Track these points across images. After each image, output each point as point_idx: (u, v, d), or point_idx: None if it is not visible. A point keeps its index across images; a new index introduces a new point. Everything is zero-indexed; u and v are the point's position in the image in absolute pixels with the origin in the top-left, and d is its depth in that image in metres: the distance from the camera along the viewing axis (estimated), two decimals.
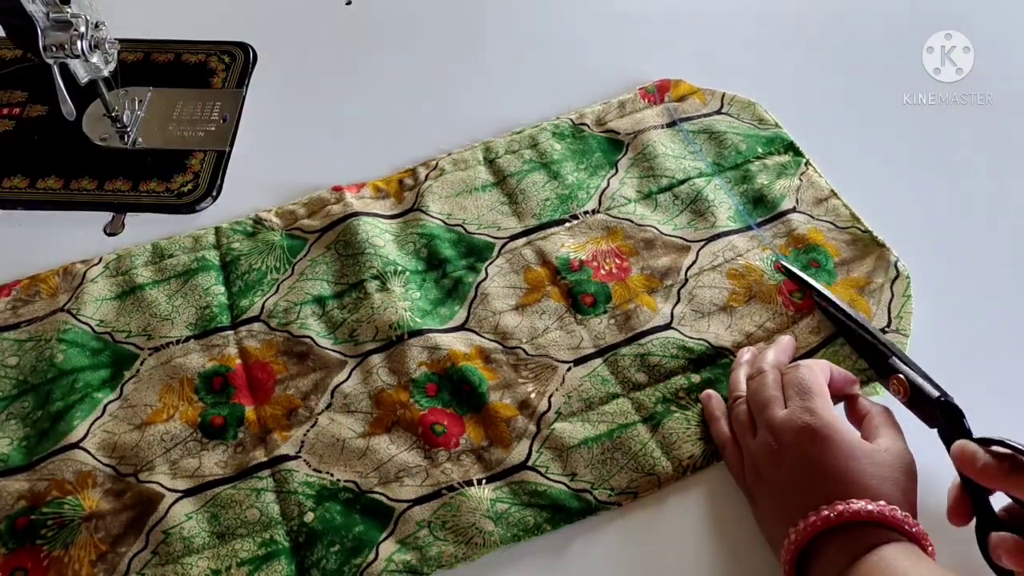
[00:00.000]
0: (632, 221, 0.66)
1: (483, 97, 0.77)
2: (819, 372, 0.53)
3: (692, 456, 0.55)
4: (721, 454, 0.55)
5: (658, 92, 0.75)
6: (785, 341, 0.58)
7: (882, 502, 0.46)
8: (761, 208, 0.67)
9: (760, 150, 0.71)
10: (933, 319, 0.61)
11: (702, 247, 0.65)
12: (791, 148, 0.71)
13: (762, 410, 0.52)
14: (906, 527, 0.46)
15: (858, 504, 0.46)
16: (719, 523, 0.53)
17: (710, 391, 0.57)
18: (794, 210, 0.67)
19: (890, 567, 0.44)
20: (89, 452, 0.55)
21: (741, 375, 0.56)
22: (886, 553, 0.45)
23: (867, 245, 0.65)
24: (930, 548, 0.46)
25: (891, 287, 0.62)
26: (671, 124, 0.73)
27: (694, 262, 0.64)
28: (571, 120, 0.73)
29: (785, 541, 0.47)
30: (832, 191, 0.68)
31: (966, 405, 0.50)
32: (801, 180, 0.69)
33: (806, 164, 0.70)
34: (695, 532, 0.53)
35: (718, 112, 0.74)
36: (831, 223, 0.66)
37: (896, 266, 0.63)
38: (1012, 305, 0.62)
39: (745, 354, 0.58)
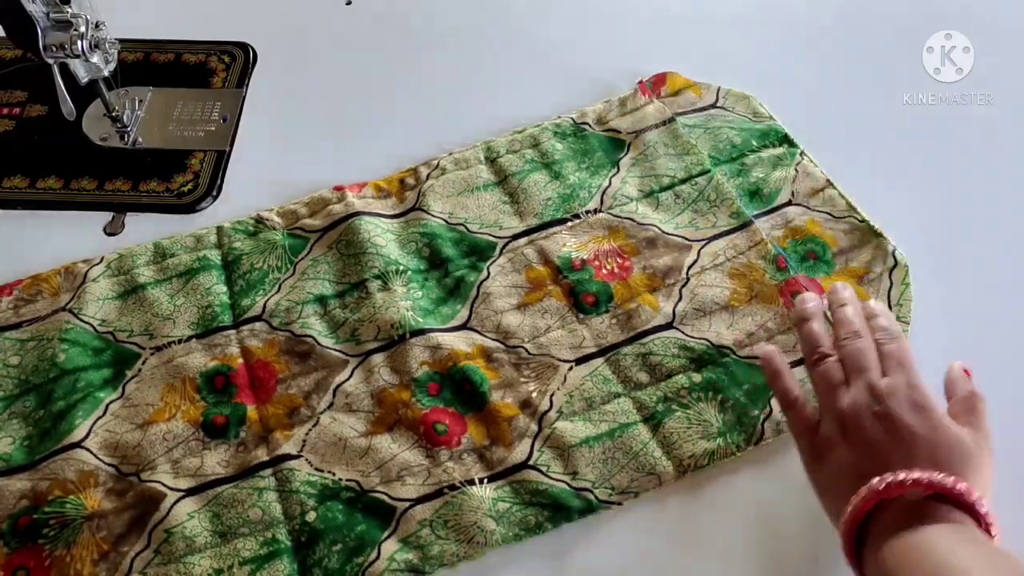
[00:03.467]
0: (634, 220, 0.66)
1: (484, 96, 0.77)
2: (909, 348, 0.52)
3: (692, 456, 0.55)
4: (786, 406, 0.53)
5: (654, 86, 0.75)
6: (864, 302, 0.56)
7: (951, 477, 0.44)
8: (758, 201, 0.67)
9: (755, 143, 0.71)
10: (935, 315, 0.61)
11: (704, 246, 0.65)
12: (786, 140, 0.71)
13: (862, 372, 0.50)
14: (969, 500, 0.44)
15: (923, 473, 0.44)
16: (719, 523, 0.53)
17: (772, 347, 0.56)
18: (790, 203, 0.67)
19: (925, 549, 0.43)
20: (91, 451, 0.55)
21: (818, 328, 0.54)
22: (929, 533, 0.43)
23: (864, 234, 0.65)
24: (994, 532, 0.44)
25: (890, 275, 0.62)
26: (670, 120, 0.73)
27: (695, 261, 0.64)
28: (572, 119, 0.73)
29: (849, 506, 0.45)
30: (828, 181, 0.68)
31: (984, 390, 0.51)
32: (797, 171, 0.69)
33: (801, 154, 0.70)
34: (695, 532, 0.53)
35: (713, 106, 0.74)
36: (828, 213, 0.66)
37: (894, 255, 0.63)
38: (1012, 305, 0.63)
39: (808, 302, 0.56)
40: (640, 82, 0.75)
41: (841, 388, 0.50)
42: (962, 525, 0.44)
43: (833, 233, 0.65)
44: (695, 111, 0.74)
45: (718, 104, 0.74)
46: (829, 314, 0.56)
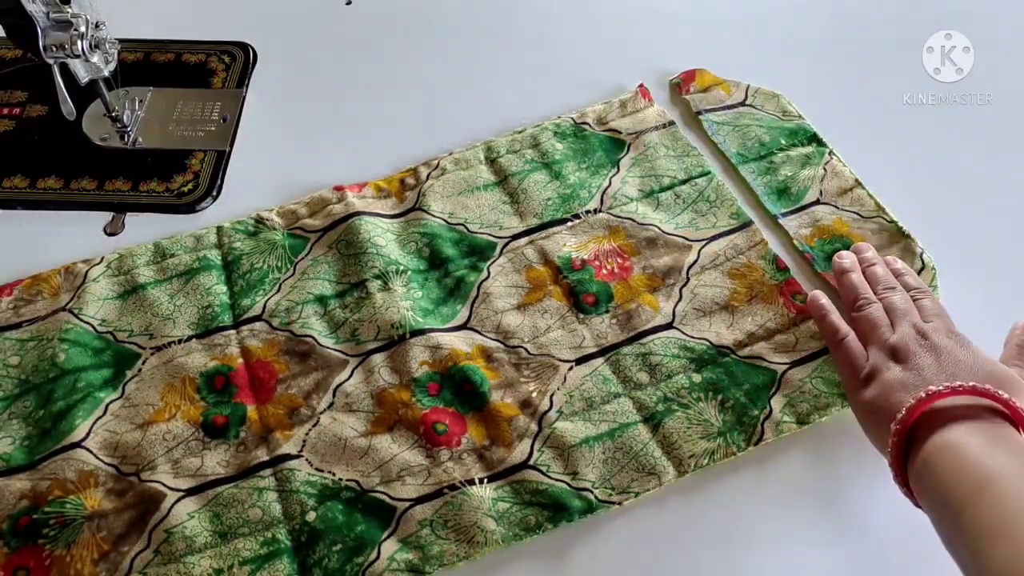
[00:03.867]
0: (634, 220, 0.66)
1: (484, 96, 0.77)
2: None
3: (692, 456, 0.55)
4: (835, 341, 0.56)
5: (684, 82, 0.75)
6: (889, 258, 0.61)
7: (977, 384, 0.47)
8: (786, 200, 0.67)
9: (784, 141, 0.71)
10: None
11: (704, 246, 0.65)
12: (814, 139, 0.71)
13: (906, 315, 0.55)
14: (1012, 404, 0.46)
15: (966, 382, 0.47)
16: (719, 523, 0.53)
17: (818, 291, 0.60)
18: (818, 202, 0.67)
19: (960, 450, 0.44)
20: (91, 451, 0.55)
21: (859, 279, 0.59)
22: (966, 433, 0.45)
23: (892, 235, 0.65)
24: None
25: None
26: (670, 124, 0.73)
27: (696, 261, 0.64)
28: (573, 119, 0.73)
29: (898, 415, 0.48)
30: (857, 181, 0.68)
31: None
32: (825, 170, 0.69)
33: (830, 153, 0.70)
34: (695, 532, 0.53)
35: (742, 104, 0.74)
36: (856, 213, 0.66)
37: (922, 258, 0.63)
38: (1012, 304, 0.63)
39: (846, 258, 0.61)
40: (641, 85, 0.75)
41: (887, 328, 0.55)
42: (1001, 427, 0.46)
43: (861, 233, 0.65)
44: (724, 108, 0.74)
45: (747, 102, 0.74)
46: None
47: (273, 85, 0.78)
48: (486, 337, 0.61)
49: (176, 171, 0.71)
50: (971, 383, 0.47)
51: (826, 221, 0.66)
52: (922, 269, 0.63)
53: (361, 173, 0.70)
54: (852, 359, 0.54)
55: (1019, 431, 0.46)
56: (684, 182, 0.69)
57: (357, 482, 0.54)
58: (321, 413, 0.57)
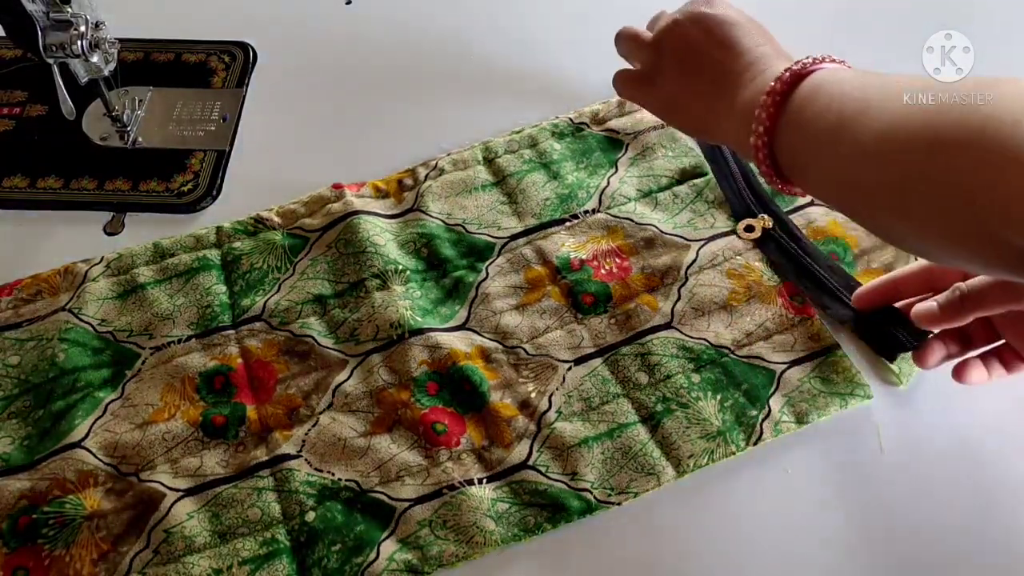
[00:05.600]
0: (632, 220, 0.66)
1: (482, 97, 0.77)
2: None
3: (692, 456, 0.55)
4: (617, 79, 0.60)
5: None
6: None
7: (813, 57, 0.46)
8: (780, 201, 0.67)
9: None
10: None
11: (702, 246, 0.65)
12: None
13: (656, 20, 0.57)
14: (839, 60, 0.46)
15: (795, 62, 0.46)
16: (719, 522, 0.53)
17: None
18: (812, 203, 0.67)
19: (821, 94, 0.44)
20: (90, 451, 0.55)
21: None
22: (824, 74, 0.45)
23: None
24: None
25: None
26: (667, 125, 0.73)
27: (694, 261, 0.64)
28: (570, 119, 0.73)
29: (753, 131, 0.46)
30: None
31: (984, 388, 0.52)
32: None
33: None
34: (695, 532, 0.53)
35: None
36: None
37: (916, 258, 0.63)
38: None
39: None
40: None
41: (641, 33, 0.57)
42: (839, 68, 0.46)
43: (855, 234, 0.65)
44: None
45: None
46: None
47: (273, 85, 0.78)
48: (485, 337, 0.61)
49: (176, 171, 0.71)
50: (801, 61, 0.46)
51: (820, 222, 0.66)
52: None
53: (360, 173, 0.70)
54: (626, 79, 0.58)
55: None
56: (682, 182, 0.69)
57: (356, 482, 0.54)
58: (320, 413, 0.57)
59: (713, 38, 0.51)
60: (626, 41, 0.59)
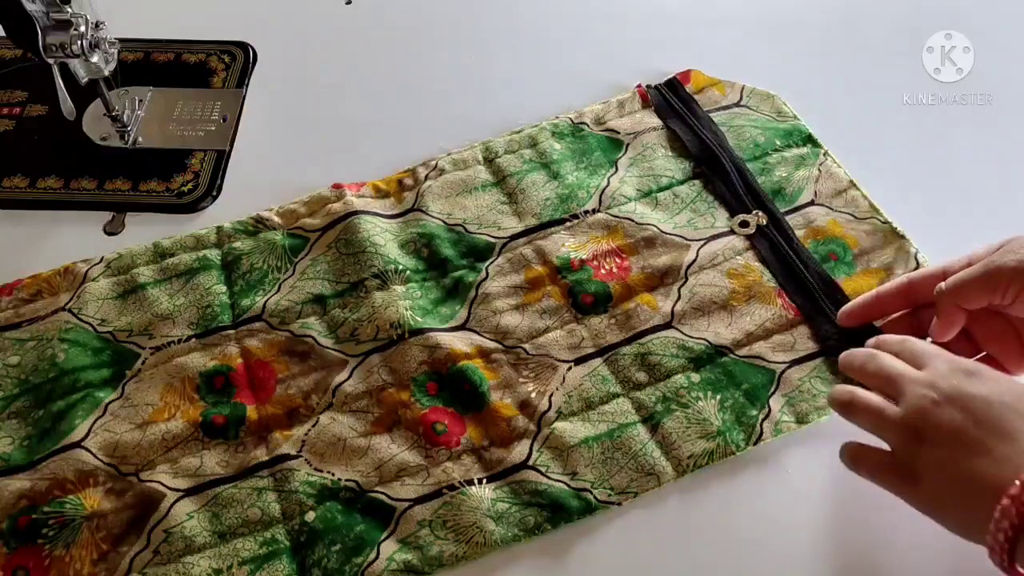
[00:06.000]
0: (632, 220, 0.66)
1: (483, 97, 0.77)
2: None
3: (692, 456, 0.55)
4: (853, 458, 0.50)
5: (679, 82, 0.75)
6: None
7: None
8: (780, 200, 0.67)
9: (778, 142, 0.71)
10: None
11: (702, 246, 0.65)
12: (809, 140, 0.71)
13: (896, 378, 0.47)
14: None
15: None
16: (719, 523, 0.53)
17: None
18: (813, 203, 0.67)
19: None
20: (90, 451, 0.55)
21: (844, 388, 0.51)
22: None
23: (886, 236, 0.65)
24: None
25: None
26: (667, 127, 0.73)
27: (694, 260, 0.64)
28: (571, 119, 0.73)
29: (994, 519, 0.41)
30: (851, 182, 0.68)
31: None
32: (820, 171, 0.69)
33: (824, 154, 0.70)
34: (694, 532, 0.53)
35: (737, 104, 0.74)
36: (850, 214, 0.66)
37: (916, 258, 0.63)
38: None
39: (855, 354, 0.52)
40: (639, 86, 0.75)
41: (885, 406, 0.47)
42: None
43: (855, 234, 0.65)
44: (719, 109, 0.74)
45: (742, 103, 0.74)
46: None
47: (273, 85, 0.78)
48: (485, 337, 0.61)
49: (176, 171, 0.71)
50: None
51: (820, 222, 0.66)
52: (915, 269, 0.63)
53: (360, 173, 0.70)
54: (877, 466, 0.47)
55: None
56: (682, 182, 0.69)
57: (356, 482, 0.54)
58: (320, 413, 0.57)
59: (983, 427, 0.43)
60: (866, 417, 0.48)
